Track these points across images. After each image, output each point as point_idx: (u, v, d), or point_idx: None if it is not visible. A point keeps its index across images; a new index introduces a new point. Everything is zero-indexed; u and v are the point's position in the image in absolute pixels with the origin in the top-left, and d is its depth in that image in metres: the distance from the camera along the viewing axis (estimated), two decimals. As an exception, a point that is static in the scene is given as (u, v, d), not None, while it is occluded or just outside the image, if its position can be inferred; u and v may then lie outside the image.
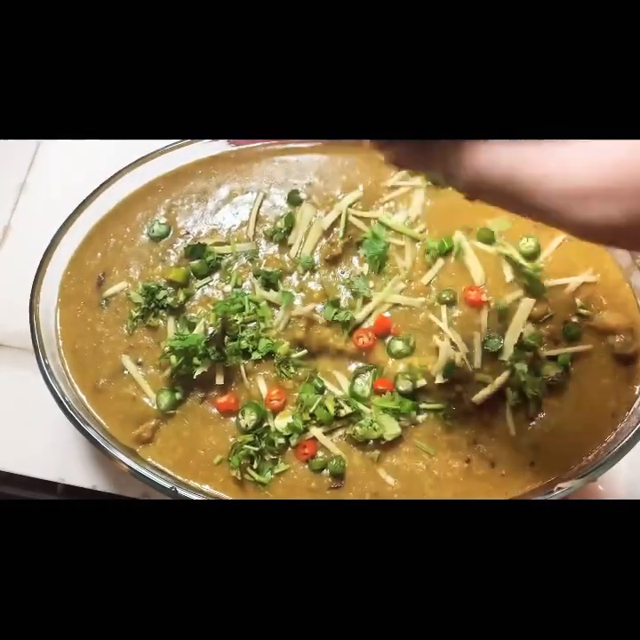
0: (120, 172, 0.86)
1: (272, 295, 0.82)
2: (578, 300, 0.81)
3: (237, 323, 0.79)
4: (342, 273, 0.84)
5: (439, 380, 0.76)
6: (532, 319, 0.80)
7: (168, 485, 0.73)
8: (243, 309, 0.78)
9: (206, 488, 0.77)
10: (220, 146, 0.89)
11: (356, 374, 0.79)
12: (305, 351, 0.79)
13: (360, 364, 0.79)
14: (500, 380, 0.76)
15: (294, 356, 0.79)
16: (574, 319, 0.81)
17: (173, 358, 0.76)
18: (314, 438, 0.77)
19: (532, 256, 0.83)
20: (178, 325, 0.81)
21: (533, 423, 0.77)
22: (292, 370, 0.78)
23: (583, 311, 0.80)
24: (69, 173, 1.03)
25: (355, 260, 0.85)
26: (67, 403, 0.76)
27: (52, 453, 0.90)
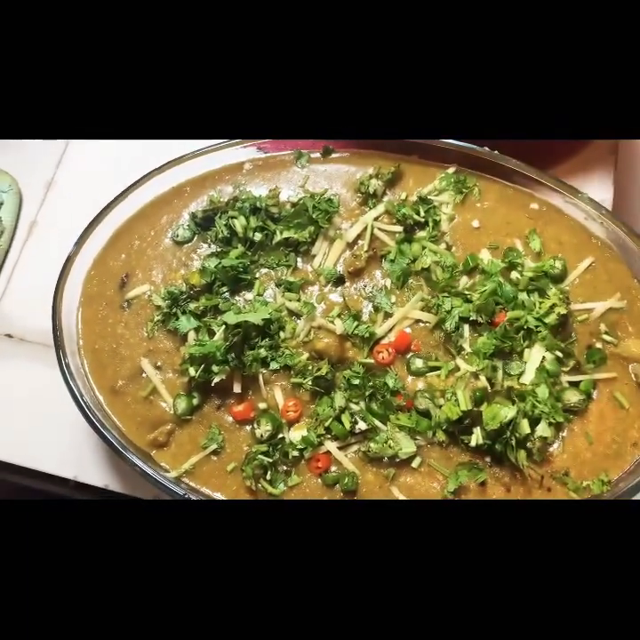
0: (149, 174, 0.86)
1: (293, 305, 0.81)
2: (602, 326, 0.80)
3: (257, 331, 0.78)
4: (365, 286, 0.84)
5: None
6: (554, 343, 0.79)
7: (181, 492, 0.74)
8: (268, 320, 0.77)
9: (218, 496, 0.77)
10: (248, 152, 0.89)
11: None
12: (324, 364, 0.77)
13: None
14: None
15: (312, 368, 0.78)
16: (598, 345, 0.80)
17: (191, 370, 0.76)
18: (328, 452, 0.76)
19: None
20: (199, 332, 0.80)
21: (552, 449, 0.76)
22: (309, 382, 0.77)
23: (607, 337, 0.79)
24: (97, 172, 1.03)
25: (378, 273, 0.84)
26: (85, 403, 0.76)
27: (66, 450, 0.91)
